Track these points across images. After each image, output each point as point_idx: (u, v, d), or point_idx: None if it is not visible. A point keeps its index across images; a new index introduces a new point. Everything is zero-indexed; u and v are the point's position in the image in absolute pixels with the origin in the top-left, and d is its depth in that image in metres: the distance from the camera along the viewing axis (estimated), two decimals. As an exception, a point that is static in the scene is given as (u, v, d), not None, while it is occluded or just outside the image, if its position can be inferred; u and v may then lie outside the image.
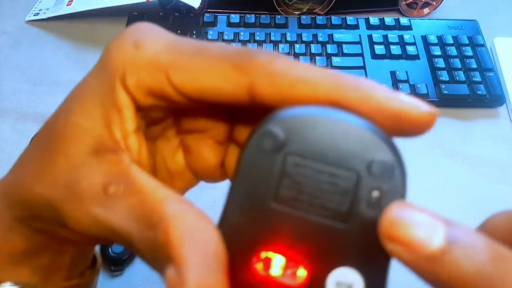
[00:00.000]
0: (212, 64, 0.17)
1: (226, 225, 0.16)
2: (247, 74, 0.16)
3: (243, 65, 0.16)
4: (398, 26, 0.57)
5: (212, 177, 0.22)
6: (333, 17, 0.57)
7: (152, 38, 0.18)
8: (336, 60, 0.53)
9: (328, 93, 0.16)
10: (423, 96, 0.51)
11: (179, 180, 0.22)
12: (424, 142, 0.49)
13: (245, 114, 0.19)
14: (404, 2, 0.61)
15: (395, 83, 0.51)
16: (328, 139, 0.15)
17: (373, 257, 0.15)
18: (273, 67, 0.16)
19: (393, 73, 0.52)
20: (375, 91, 0.15)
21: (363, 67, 0.53)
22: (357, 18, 0.57)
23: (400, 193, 0.15)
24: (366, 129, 0.15)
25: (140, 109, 0.17)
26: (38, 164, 0.18)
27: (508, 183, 0.47)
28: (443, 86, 0.51)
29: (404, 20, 0.57)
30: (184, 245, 0.14)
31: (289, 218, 0.16)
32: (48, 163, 0.18)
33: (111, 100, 0.17)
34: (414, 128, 0.16)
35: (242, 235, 0.16)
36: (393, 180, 0.15)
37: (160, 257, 0.15)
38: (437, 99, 0.51)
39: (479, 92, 0.51)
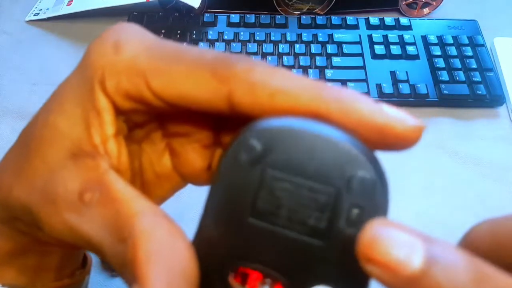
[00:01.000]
0: (190, 71, 0.16)
1: (201, 239, 0.15)
2: (225, 83, 0.15)
3: (221, 73, 0.16)
4: (398, 26, 0.57)
5: (199, 180, 0.21)
6: (333, 17, 0.57)
7: (133, 40, 0.17)
8: (336, 60, 0.53)
9: (309, 105, 0.15)
10: (423, 96, 0.51)
11: (166, 183, 0.21)
12: (424, 142, 0.49)
13: (230, 118, 0.18)
14: (404, 2, 0.61)
15: (395, 83, 0.51)
16: (307, 153, 0.15)
17: (352, 276, 0.15)
18: (252, 76, 0.15)
19: (393, 73, 0.52)
20: (358, 103, 0.15)
21: (363, 67, 0.53)
22: (357, 18, 0.57)
23: (381, 210, 0.15)
24: (347, 143, 0.14)
25: (120, 113, 0.17)
26: (16, 166, 0.18)
27: (508, 183, 0.47)
28: (443, 86, 0.51)
29: (404, 20, 0.57)
30: (150, 263, 0.14)
31: (266, 233, 0.15)
32: (26, 165, 0.17)
33: (91, 102, 0.16)
34: (399, 142, 0.15)
35: (217, 249, 0.15)
36: (373, 197, 0.14)
37: (128, 273, 0.14)
38: (437, 99, 0.51)
39: (479, 92, 0.51)
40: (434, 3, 0.61)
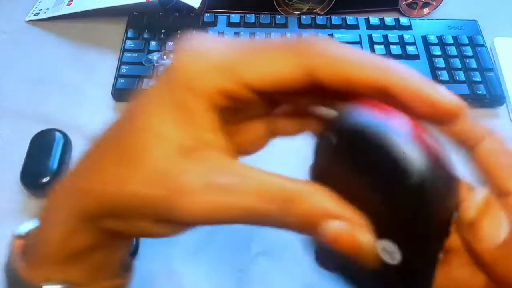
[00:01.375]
0: (275, 56, 0.18)
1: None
2: (308, 60, 0.18)
3: (303, 52, 0.18)
4: (398, 26, 0.57)
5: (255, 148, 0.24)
6: (333, 17, 0.57)
7: (213, 44, 0.19)
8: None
9: (378, 80, 0.17)
10: (423, 96, 0.51)
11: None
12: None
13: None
14: (404, 2, 0.61)
15: (395, 83, 0.51)
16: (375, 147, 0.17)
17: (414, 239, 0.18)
18: (331, 52, 0.18)
19: (393, 73, 0.52)
20: (420, 84, 0.17)
21: (363, 67, 0.53)
22: (357, 18, 0.57)
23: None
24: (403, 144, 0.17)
25: (215, 109, 0.19)
26: (122, 168, 0.19)
27: (508, 183, 0.47)
28: (443, 86, 0.51)
29: (404, 20, 0.57)
30: (331, 204, 0.17)
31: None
32: (136, 166, 0.19)
33: (188, 105, 0.18)
34: (446, 117, 0.18)
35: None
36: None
37: (292, 223, 0.18)
38: (437, 99, 0.51)
39: (479, 92, 0.51)
40: (434, 3, 0.61)
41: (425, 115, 0.18)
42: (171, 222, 0.19)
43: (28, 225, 0.25)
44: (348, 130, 0.18)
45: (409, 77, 0.17)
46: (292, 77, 0.18)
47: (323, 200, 0.18)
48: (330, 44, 0.18)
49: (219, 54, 0.19)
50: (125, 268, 0.26)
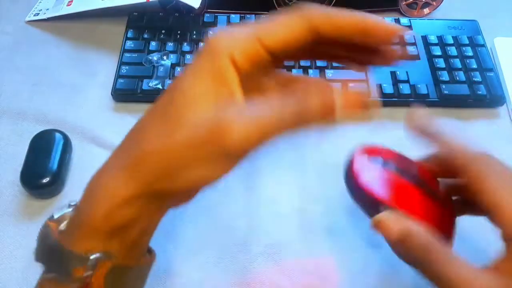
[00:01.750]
0: (285, 21, 0.24)
1: None
2: (311, 19, 0.24)
3: (306, 15, 0.24)
4: (398, 26, 0.57)
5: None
6: (333, 17, 0.57)
7: (236, 27, 0.25)
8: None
9: (360, 22, 0.25)
10: (424, 96, 0.51)
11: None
12: (424, 142, 0.49)
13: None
14: (404, 2, 0.61)
15: (396, 83, 0.51)
16: None
17: None
18: (325, 11, 0.24)
19: (393, 73, 0.52)
20: (382, 21, 0.26)
21: (363, 67, 0.53)
22: (357, 18, 0.57)
23: None
24: None
25: (240, 73, 0.24)
26: (168, 124, 0.24)
27: (509, 183, 0.47)
28: (444, 86, 0.51)
29: (404, 20, 0.57)
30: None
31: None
32: (181, 118, 0.23)
33: (219, 67, 0.23)
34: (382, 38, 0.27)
35: None
36: None
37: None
38: (437, 99, 0.51)
39: (480, 92, 0.51)
40: (434, 3, 0.61)
41: (387, 40, 0.28)
42: (222, 158, 0.23)
43: (60, 211, 0.29)
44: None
45: (378, 18, 0.26)
46: (300, 34, 0.24)
47: None
48: (323, 7, 0.25)
49: (242, 30, 0.24)
50: (149, 251, 0.30)
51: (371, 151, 0.32)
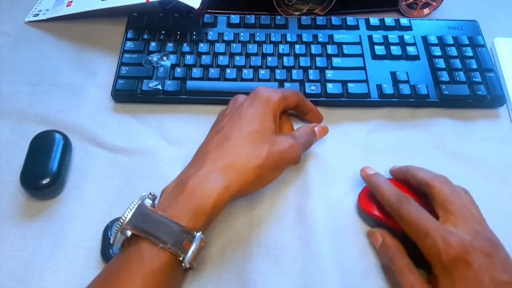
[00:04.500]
0: (292, 96, 0.46)
1: None
2: (295, 103, 0.47)
3: (298, 97, 0.47)
4: (398, 26, 0.57)
5: None
6: (333, 18, 0.57)
7: (274, 90, 0.44)
8: (336, 61, 0.53)
9: (297, 101, 0.47)
10: (424, 97, 0.51)
11: None
12: (425, 143, 0.49)
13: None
14: (404, 3, 0.61)
15: (396, 83, 0.51)
16: None
17: None
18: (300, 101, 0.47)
19: (393, 74, 0.52)
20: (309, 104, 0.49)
21: (363, 68, 0.53)
22: (357, 19, 0.57)
23: None
24: None
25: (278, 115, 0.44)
26: (256, 148, 0.39)
27: (509, 183, 0.47)
28: (444, 86, 0.51)
29: (404, 21, 0.57)
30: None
31: None
32: (264, 145, 0.39)
33: (272, 116, 0.42)
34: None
35: None
36: None
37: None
38: (437, 100, 0.51)
39: (480, 93, 0.51)
40: (434, 3, 0.61)
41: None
42: (287, 166, 0.44)
43: (149, 201, 0.36)
44: None
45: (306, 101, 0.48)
46: (296, 105, 0.47)
47: None
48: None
49: (274, 92, 0.44)
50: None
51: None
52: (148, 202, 0.36)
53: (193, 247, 0.34)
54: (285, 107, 0.44)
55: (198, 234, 0.34)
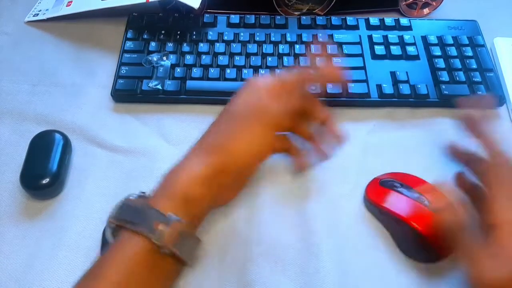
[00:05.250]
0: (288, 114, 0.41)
1: None
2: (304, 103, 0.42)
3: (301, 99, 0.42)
4: (398, 26, 0.57)
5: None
6: (333, 18, 0.57)
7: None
8: (336, 61, 0.53)
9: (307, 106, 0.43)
10: (424, 97, 0.51)
11: None
12: (425, 142, 0.49)
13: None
14: (404, 3, 0.61)
15: (396, 83, 0.51)
16: None
17: None
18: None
19: (393, 74, 0.52)
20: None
21: (363, 68, 0.53)
22: (357, 19, 0.57)
23: None
24: None
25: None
26: (246, 137, 0.38)
27: (509, 184, 0.46)
28: (444, 86, 0.51)
29: (404, 21, 0.57)
30: None
31: None
32: (254, 137, 0.38)
33: (272, 129, 0.39)
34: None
35: None
36: None
37: None
38: (437, 100, 0.51)
39: (480, 93, 0.51)
40: (434, 3, 0.61)
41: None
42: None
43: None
44: None
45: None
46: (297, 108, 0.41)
47: None
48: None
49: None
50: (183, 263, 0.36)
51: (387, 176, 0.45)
52: (133, 196, 0.36)
53: (164, 227, 0.32)
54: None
55: (170, 214, 0.33)
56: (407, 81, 0.51)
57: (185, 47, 0.53)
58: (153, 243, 0.32)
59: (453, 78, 0.52)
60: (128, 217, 0.34)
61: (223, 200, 0.40)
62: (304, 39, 0.55)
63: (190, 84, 0.51)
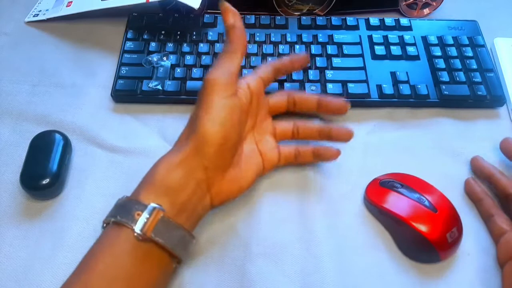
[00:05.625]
0: (279, 98, 0.47)
1: None
2: (291, 95, 0.47)
3: (290, 94, 0.47)
4: (398, 26, 0.57)
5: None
6: (333, 18, 0.57)
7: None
8: (336, 61, 0.53)
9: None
10: (424, 97, 0.51)
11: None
12: (425, 143, 0.49)
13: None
14: (404, 3, 0.61)
15: (396, 83, 0.51)
16: None
17: None
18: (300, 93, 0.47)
19: (393, 74, 0.52)
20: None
21: (363, 68, 0.53)
22: (357, 19, 0.57)
23: None
24: None
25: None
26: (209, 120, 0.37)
27: (509, 184, 0.46)
28: (444, 86, 0.51)
29: (404, 21, 0.57)
30: None
31: None
32: (214, 116, 0.38)
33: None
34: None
35: None
36: None
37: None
38: (437, 100, 0.51)
39: (480, 93, 0.51)
40: (434, 3, 0.61)
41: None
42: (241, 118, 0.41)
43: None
44: None
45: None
46: (284, 104, 0.47)
47: None
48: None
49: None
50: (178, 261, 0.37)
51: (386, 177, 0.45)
52: (124, 197, 0.37)
53: (144, 216, 0.33)
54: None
55: (150, 203, 0.34)
56: (407, 82, 0.51)
57: (185, 48, 0.53)
58: (134, 232, 0.33)
59: (453, 79, 0.52)
60: (114, 213, 0.35)
61: (217, 186, 0.39)
62: (304, 39, 0.55)
63: (190, 84, 0.51)
